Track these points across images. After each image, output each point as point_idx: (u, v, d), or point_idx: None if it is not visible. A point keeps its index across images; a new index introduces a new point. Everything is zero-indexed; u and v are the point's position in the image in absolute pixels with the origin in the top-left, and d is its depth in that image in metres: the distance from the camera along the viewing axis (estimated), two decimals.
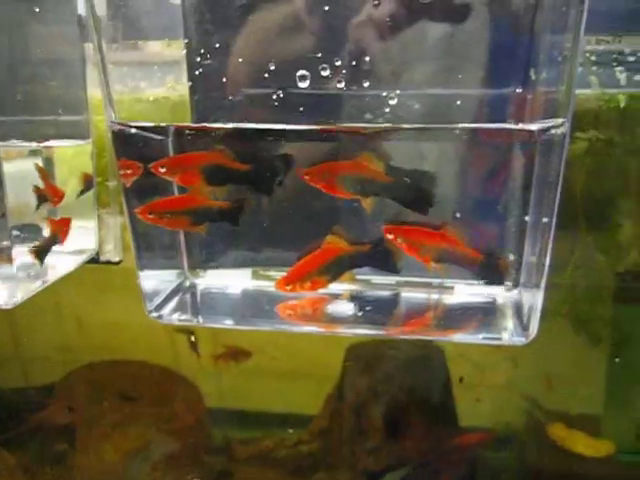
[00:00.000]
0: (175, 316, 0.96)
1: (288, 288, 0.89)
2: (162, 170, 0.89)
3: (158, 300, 0.97)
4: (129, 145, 0.91)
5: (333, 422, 1.58)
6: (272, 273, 1.03)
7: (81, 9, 1.07)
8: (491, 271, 0.95)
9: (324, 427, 1.61)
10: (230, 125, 0.88)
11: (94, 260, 1.19)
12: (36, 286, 1.04)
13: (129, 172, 0.89)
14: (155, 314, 0.96)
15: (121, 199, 1.01)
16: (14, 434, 1.64)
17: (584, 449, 1.46)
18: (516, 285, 0.98)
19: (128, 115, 1.13)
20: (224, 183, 0.92)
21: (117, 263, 1.21)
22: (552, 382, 1.39)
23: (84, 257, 1.16)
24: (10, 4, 0.96)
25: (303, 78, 0.86)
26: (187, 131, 0.93)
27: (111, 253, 1.20)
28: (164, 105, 1.05)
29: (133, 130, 0.90)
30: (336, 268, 0.90)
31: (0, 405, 1.70)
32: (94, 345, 1.65)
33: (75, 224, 1.12)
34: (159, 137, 0.96)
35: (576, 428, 1.48)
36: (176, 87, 1.03)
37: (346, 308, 0.95)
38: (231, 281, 1.04)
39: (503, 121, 0.91)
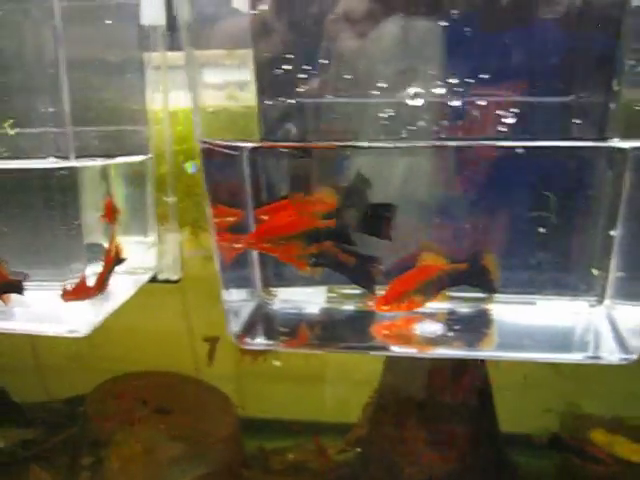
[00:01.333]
0: (260, 340, 0.93)
1: (386, 308, 0.86)
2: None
3: (241, 323, 0.94)
4: (218, 163, 0.87)
5: (372, 431, 1.55)
6: (347, 291, 1.00)
7: (144, 19, 1.04)
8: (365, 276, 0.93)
9: (362, 436, 1.59)
10: (333, 143, 0.85)
11: (152, 279, 1.15)
12: (109, 308, 0.99)
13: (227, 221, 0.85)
14: (239, 338, 0.92)
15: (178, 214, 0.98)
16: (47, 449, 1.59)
17: (630, 454, 1.45)
18: (600, 301, 0.96)
19: (188, 127, 1.09)
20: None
21: (176, 281, 1.17)
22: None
23: (147, 276, 1.12)
24: (79, 17, 0.92)
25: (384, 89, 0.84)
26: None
27: (170, 271, 1.16)
28: (227, 115, 1.02)
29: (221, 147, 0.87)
30: (433, 287, 0.88)
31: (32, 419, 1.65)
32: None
33: (135, 241, 1.08)
34: (236, 153, 0.92)
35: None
36: (240, 97, 1.01)
37: (436, 328, 0.92)
38: (306, 299, 1.01)
39: (586, 133, 0.89)
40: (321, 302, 1.01)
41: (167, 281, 1.15)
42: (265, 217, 0.86)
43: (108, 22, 0.96)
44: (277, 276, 1.02)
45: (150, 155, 1.10)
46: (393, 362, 1.48)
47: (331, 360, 1.60)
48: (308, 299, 1.01)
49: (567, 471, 1.49)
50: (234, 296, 0.93)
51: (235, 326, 0.92)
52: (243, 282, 0.97)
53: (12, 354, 1.62)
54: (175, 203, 1.13)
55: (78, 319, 0.93)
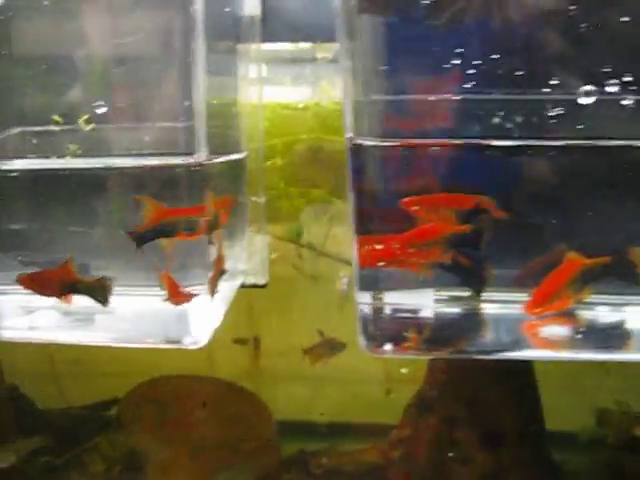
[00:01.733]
0: (390, 347, 0.89)
1: (537, 310, 0.85)
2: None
3: (370, 330, 0.89)
4: (367, 162, 0.83)
5: (417, 431, 1.53)
6: (456, 293, 0.98)
7: (247, 9, 0.98)
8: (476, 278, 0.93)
9: (405, 436, 1.57)
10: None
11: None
12: (218, 315, 0.93)
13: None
14: (372, 347, 0.88)
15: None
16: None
17: None
18: None
19: (271, 124, 1.04)
20: None
21: (263, 286, 1.11)
22: None
23: (240, 281, 1.06)
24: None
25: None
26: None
27: (258, 275, 1.09)
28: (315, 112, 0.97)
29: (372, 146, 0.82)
30: (579, 283, 0.86)
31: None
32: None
33: (232, 244, 1.02)
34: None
35: None
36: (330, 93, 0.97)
37: (566, 330, 0.91)
38: (415, 302, 0.98)
39: None
40: (431, 304, 0.98)
41: (254, 286, 1.09)
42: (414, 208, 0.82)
43: (227, 9, 0.89)
44: (382, 279, 0.98)
45: (246, 152, 1.04)
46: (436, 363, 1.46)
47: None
48: (417, 302, 0.98)
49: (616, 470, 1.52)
50: (367, 301, 0.89)
51: (368, 333, 0.88)
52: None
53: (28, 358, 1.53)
54: (264, 203, 1.07)
55: (192, 328, 0.87)
